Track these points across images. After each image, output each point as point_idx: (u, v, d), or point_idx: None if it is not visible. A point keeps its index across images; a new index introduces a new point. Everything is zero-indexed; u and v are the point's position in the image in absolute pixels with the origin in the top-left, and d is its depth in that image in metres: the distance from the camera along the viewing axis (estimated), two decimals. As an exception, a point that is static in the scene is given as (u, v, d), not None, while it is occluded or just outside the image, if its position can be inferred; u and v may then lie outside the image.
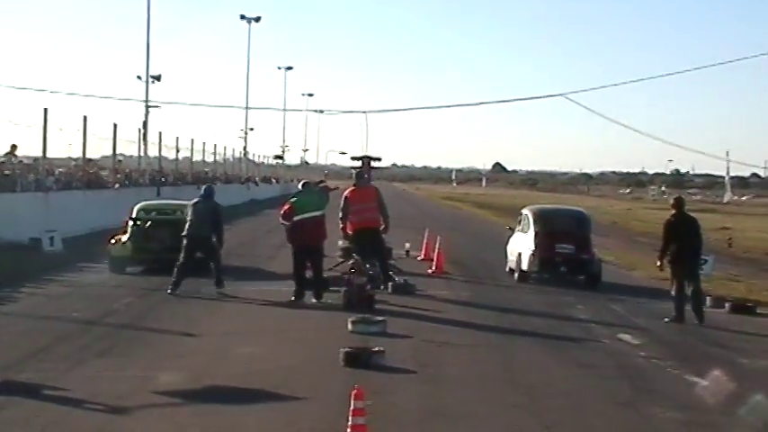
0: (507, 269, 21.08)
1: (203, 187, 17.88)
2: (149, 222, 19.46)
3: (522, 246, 20.26)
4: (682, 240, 15.14)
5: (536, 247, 19.64)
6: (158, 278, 17.05)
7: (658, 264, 15.45)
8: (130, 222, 19.47)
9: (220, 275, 16.33)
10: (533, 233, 19.97)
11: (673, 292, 15.15)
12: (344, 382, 9.50)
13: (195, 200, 17.03)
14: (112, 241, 19.16)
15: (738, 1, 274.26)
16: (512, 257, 20.94)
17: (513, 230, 21.81)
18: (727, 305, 16.36)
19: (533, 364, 11.15)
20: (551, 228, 20.25)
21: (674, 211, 15.66)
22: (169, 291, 15.79)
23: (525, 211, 21.30)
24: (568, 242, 19.80)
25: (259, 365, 10.48)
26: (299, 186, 16.97)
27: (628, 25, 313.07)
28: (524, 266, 19.86)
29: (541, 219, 20.59)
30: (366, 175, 19.98)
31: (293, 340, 12.32)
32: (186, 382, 9.52)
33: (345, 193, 18.01)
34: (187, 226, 16.50)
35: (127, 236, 19.18)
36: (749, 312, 16.25)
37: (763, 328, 14.70)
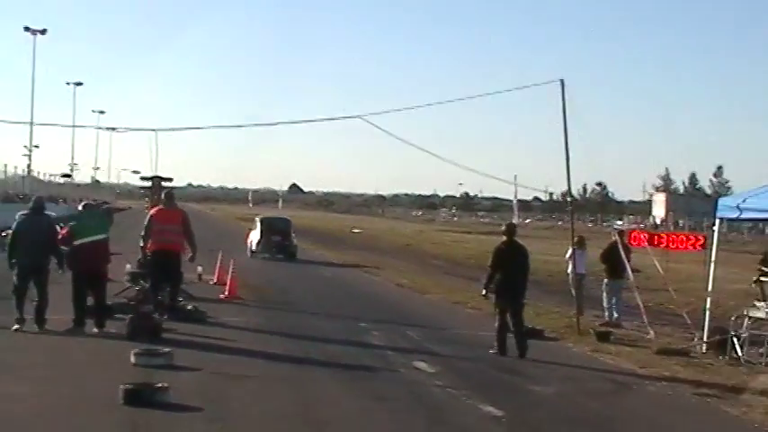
0: (248, 252, 34.76)
1: (32, 199, 15.57)
2: None
3: (253, 237, 36.18)
4: (509, 270, 14.50)
5: (260, 237, 35.54)
6: None
7: (484, 292, 14.81)
8: None
9: (45, 310, 14.39)
10: (259, 230, 36.09)
11: (496, 324, 14.56)
12: (122, 423, 8.78)
13: (21, 216, 14.66)
14: (3, 234, 23.48)
15: (523, 30, 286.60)
16: (248, 245, 35.99)
17: (251, 230, 37.41)
18: (517, 329, 16.50)
19: (328, 398, 10.72)
20: (268, 226, 36.72)
21: (504, 238, 14.98)
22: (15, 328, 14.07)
23: (256, 218, 38.40)
24: (277, 235, 36.13)
25: (23, 408, 9.34)
26: (80, 208, 16.00)
27: (423, 49, 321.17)
28: (253, 249, 35.30)
29: (264, 221, 37.31)
30: (156, 196, 19.10)
31: (68, 376, 11.28)
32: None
33: (151, 211, 17.26)
34: (23, 252, 14.21)
35: None
36: (538, 336, 16.50)
37: (552, 353, 14.91)
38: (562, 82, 17.76)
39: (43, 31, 69.72)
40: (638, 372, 13.59)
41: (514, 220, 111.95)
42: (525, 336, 14.66)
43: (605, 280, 19.99)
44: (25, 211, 14.90)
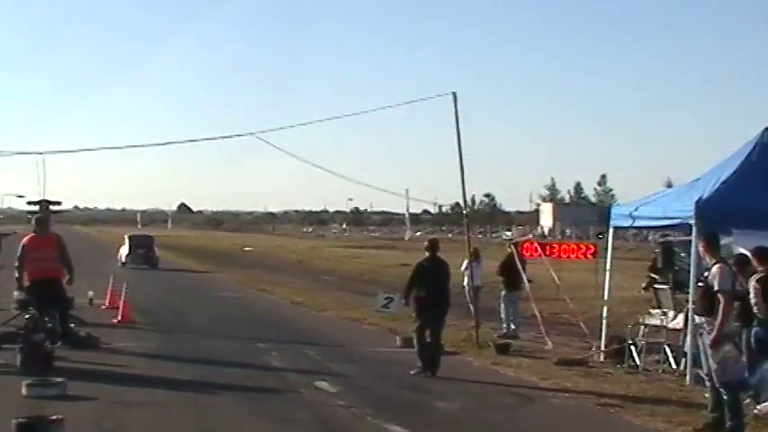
0: (119, 264, 42.86)
1: None
2: None
3: (123, 251, 45.26)
4: (431, 287, 14.27)
5: (129, 251, 44.82)
6: None
7: (404, 302, 14.83)
8: None
9: None
10: (128, 245, 45.28)
11: (415, 342, 14.50)
12: (17, 460, 8.36)
13: None
14: None
15: (419, 46, 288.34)
16: (119, 257, 44.93)
17: (120, 246, 46.47)
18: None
19: (229, 422, 10.44)
20: (135, 242, 46.20)
21: (427, 254, 14.76)
22: None
23: (125, 236, 47.50)
24: (142, 248, 45.37)
25: None
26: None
27: (313, 64, 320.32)
28: (123, 261, 43.95)
29: (131, 238, 46.65)
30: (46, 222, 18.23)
31: (-45, 412, 10.77)
32: None
33: (23, 240, 16.42)
34: None
35: None
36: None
37: (453, 368, 14.72)
38: (454, 95, 17.83)
39: None
40: (539, 384, 13.65)
41: (407, 235, 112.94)
42: (439, 353, 14.55)
43: (503, 292, 20.18)
44: None
